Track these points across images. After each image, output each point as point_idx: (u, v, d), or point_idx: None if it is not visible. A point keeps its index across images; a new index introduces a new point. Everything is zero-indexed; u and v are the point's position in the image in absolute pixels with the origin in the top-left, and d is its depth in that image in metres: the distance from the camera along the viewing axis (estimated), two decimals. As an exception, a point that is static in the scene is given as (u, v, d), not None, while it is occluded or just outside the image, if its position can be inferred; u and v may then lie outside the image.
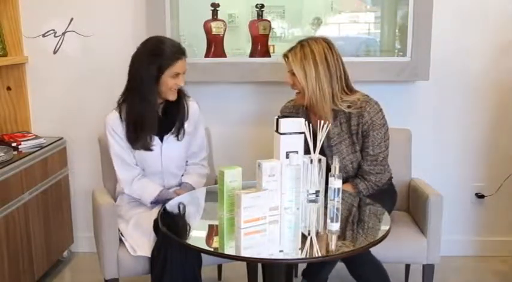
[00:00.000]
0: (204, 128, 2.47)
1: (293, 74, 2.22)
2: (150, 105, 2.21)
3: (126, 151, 2.27)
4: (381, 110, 2.26)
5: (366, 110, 2.22)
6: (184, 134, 2.32)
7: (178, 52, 2.21)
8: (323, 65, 2.19)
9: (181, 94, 2.31)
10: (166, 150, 2.30)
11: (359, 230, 1.92)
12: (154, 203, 2.29)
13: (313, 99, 2.20)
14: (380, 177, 2.28)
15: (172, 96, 2.24)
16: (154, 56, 2.18)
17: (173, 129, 2.30)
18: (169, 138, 2.30)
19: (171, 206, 2.05)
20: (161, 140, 2.29)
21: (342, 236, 1.78)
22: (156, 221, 2.14)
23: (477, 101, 2.95)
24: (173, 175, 2.37)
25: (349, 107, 2.23)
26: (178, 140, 2.31)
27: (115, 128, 2.25)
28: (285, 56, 2.25)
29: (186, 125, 2.33)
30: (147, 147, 2.25)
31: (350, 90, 2.28)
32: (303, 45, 2.21)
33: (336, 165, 1.81)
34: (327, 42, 2.24)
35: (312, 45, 2.20)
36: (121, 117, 2.25)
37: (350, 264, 2.21)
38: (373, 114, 2.23)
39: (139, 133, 2.23)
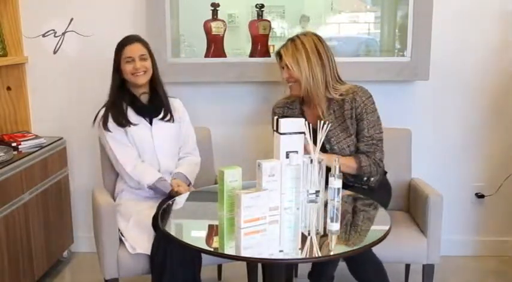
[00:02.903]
0: (189, 121, 2.54)
1: (288, 68, 2.31)
2: (115, 92, 2.39)
3: (120, 132, 2.36)
4: (371, 96, 2.33)
5: (357, 95, 2.31)
6: (172, 118, 2.43)
7: (126, 40, 2.39)
8: (314, 55, 2.29)
9: (161, 88, 2.44)
10: (157, 131, 2.40)
11: (359, 229, 1.92)
12: (151, 188, 2.33)
13: (308, 87, 2.30)
14: (379, 155, 2.32)
15: (140, 80, 2.38)
16: (114, 53, 2.40)
17: (161, 114, 2.41)
18: (158, 121, 2.42)
19: (170, 205, 2.05)
20: (150, 123, 2.40)
21: (341, 235, 1.78)
22: (154, 219, 2.14)
23: (477, 100, 2.95)
24: (167, 156, 2.43)
25: (341, 95, 2.33)
26: (168, 121, 2.42)
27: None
28: (278, 53, 2.37)
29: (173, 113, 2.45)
30: (121, 123, 2.36)
31: (341, 80, 2.38)
32: (294, 40, 2.34)
33: (336, 165, 1.81)
34: (316, 35, 2.36)
35: (302, 39, 2.32)
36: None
37: (351, 263, 2.22)
38: (365, 98, 2.31)
39: (114, 112, 2.38)
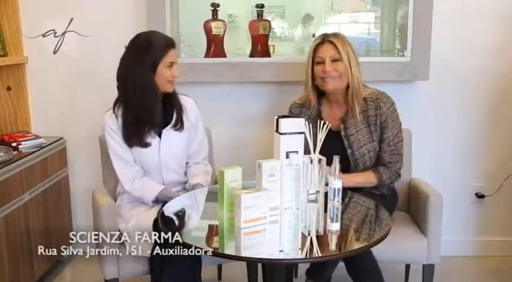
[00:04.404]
0: (203, 126, 2.45)
1: (333, 60, 2.28)
2: (151, 98, 2.22)
3: (124, 149, 2.28)
4: (394, 103, 2.35)
5: (382, 101, 2.31)
6: (183, 126, 2.33)
7: (169, 42, 2.23)
8: (356, 54, 2.31)
9: (174, 94, 2.32)
10: (165, 145, 2.30)
11: (359, 229, 1.92)
12: (156, 201, 2.29)
13: (355, 82, 2.28)
14: (399, 165, 2.33)
15: (170, 88, 2.26)
16: (147, 50, 2.20)
17: (172, 123, 2.31)
18: (168, 132, 2.31)
19: (171, 206, 2.05)
20: (159, 135, 2.30)
21: (341, 236, 1.78)
22: (155, 221, 2.14)
23: (477, 100, 2.95)
24: (172, 171, 2.36)
25: (364, 99, 2.31)
26: (178, 130, 2.31)
27: (112, 125, 2.26)
28: (329, 41, 2.29)
29: (184, 118, 2.33)
30: (144, 143, 2.25)
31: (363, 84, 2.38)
32: (336, 35, 2.32)
33: (336, 165, 1.81)
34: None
35: (344, 37, 2.32)
36: (116, 116, 2.26)
37: (349, 263, 2.21)
38: (389, 105, 2.32)
39: (140, 129, 2.24)
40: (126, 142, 2.26)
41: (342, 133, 2.31)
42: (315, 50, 2.33)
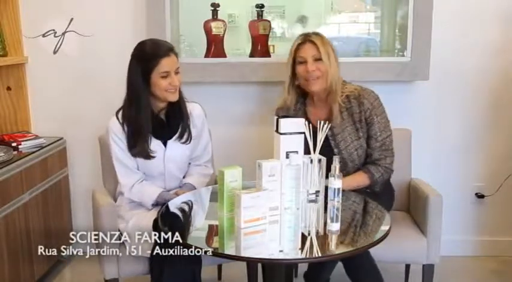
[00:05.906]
0: (208, 132, 2.44)
1: (316, 60, 2.26)
2: (142, 111, 2.18)
3: (128, 156, 2.26)
4: (378, 97, 2.32)
5: (364, 97, 2.29)
6: (191, 137, 2.30)
7: (161, 51, 2.15)
8: (335, 53, 2.30)
9: (180, 97, 2.28)
10: (170, 155, 2.29)
11: (359, 230, 1.92)
12: (155, 205, 2.28)
13: (333, 82, 2.27)
14: (390, 160, 2.32)
15: (173, 97, 2.20)
16: (138, 60, 2.16)
17: (177, 134, 2.28)
18: (173, 142, 2.29)
19: (172, 205, 2.05)
20: (165, 144, 2.28)
21: (342, 236, 1.78)
22: (155, 221, 2.14)
23: (477, 100, 2.95)
24: (175, 178, 2.36)
25: (347, 97, 2.30)
26: (184, 143, 2.29)
27: (117, 133, 2.24)
28: (310, 41, 2.28)
29: (191, 127, 2.31)
30: (147, 155, 2.23)
31: (343, 81, 2.36)
32: (317, 35, 2.31)
33: (336, 165, 1.80)
34: None
35: (324, 36, 2.31)
36: (121, 123, 2.24)
37: (347, 263, 2.21)
38: (373, 100, 2.30)
39: (137, 140, 2.21)
40: (130, 151, 2.24)
41: (328, 133, 2.28)
42: (297, 49, 2.31)
